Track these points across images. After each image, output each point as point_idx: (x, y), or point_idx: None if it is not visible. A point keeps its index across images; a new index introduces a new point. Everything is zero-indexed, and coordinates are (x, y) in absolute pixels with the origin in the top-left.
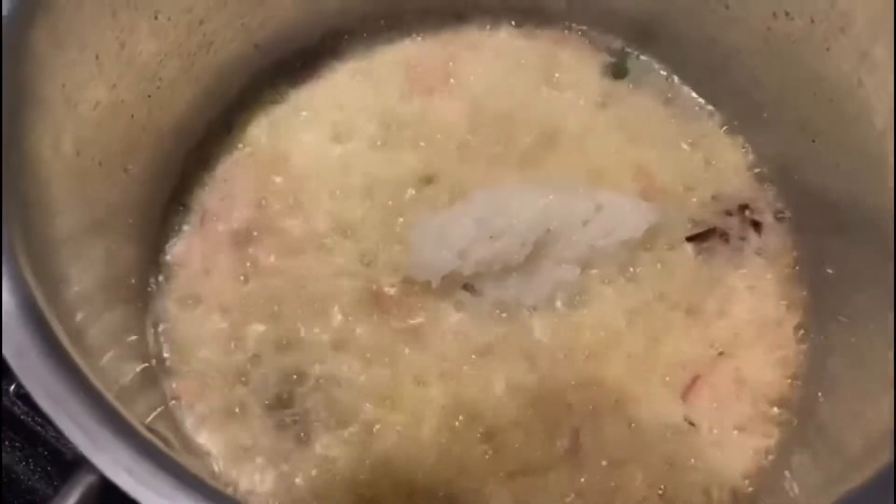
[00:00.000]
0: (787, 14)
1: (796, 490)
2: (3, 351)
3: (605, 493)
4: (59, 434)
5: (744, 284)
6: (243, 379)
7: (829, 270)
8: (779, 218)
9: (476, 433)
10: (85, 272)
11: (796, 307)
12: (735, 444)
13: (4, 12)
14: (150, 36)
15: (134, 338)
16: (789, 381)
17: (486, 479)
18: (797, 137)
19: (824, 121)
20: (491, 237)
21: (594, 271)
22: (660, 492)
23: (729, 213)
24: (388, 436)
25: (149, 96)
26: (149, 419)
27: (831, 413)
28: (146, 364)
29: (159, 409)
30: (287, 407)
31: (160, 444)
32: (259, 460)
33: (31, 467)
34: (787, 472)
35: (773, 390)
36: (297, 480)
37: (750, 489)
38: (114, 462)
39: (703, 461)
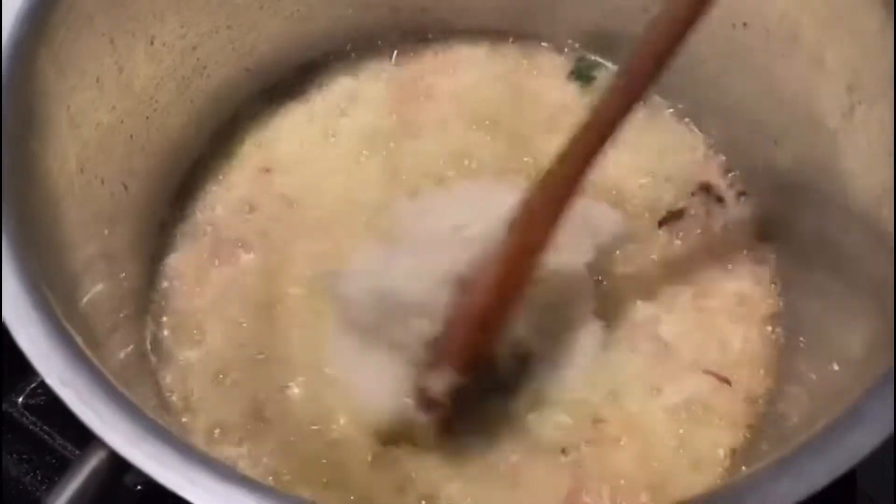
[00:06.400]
0: (744, 24)
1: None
2: (21, 344)
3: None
4: (67, 443)
5: (718, 256)
6: (233, 379)
7: (791, 235)
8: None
9: None
10: (90, 277)
11: (768, 267)
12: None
13: (9, 44)
14: (147, 61)
15: (135, 335)
16: (772, 334)
17: None
18: (762, 141)
19: (785, 124)
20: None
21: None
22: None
23: (693, 195)
24: None
25: (146, 118)
26: (150, 403)
27: (814, 347)
28: (146, 359)
29: (158, 396)
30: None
31: (163, 423)
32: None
33: (39, 478)
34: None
35: (763, 343)
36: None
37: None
38: (123, 438)
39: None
